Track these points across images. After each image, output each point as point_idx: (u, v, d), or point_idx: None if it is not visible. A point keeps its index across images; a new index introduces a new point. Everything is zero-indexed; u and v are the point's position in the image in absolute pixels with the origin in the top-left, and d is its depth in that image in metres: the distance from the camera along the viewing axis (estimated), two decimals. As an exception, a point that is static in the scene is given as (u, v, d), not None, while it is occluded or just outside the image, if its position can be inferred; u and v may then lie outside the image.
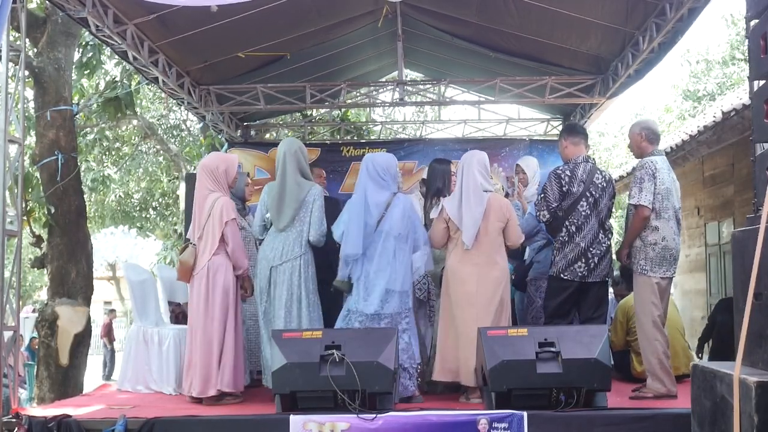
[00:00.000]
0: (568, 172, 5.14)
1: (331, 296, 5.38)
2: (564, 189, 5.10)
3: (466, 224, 4.96)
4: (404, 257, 4.92)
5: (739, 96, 8.89)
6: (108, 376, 16.78)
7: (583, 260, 5.05)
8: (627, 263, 5.10)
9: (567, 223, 5.10)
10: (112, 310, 21.31)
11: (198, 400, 5.00)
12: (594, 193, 5.13)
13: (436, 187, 5.54)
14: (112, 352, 18.13)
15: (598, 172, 5.22)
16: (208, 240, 4.99)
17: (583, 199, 5.09)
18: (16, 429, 4.49)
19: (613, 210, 5.47)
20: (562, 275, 5.09)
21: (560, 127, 9.36)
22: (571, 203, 5.09)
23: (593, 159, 5.37)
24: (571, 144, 5.26)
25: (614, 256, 5.32)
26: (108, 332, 18.41)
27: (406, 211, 4.98)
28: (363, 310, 4.85)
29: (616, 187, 5.55)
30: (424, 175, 5.93)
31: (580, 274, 5.06)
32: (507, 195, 6.12)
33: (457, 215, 5.00)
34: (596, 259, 5.07)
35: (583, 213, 5.08)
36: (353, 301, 4.91)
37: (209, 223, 4.99)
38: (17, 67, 5.60)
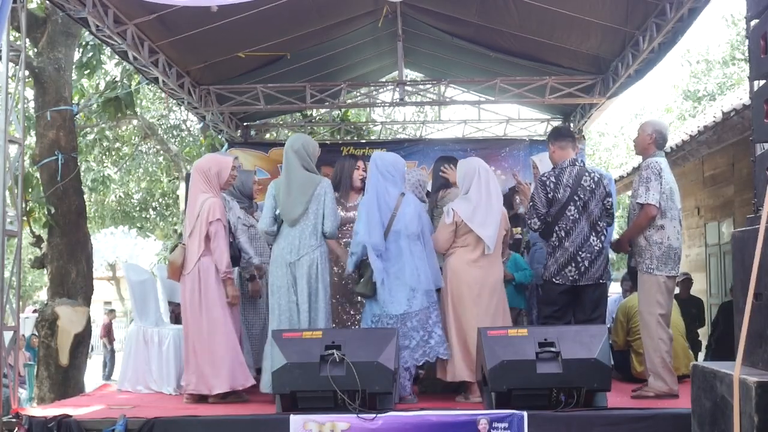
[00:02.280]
0: (552, 179, 5.11)
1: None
2: (549, 196, 5.07)
3: (487, 227, 4.95)
4: (422, 255, 4.94)
5: (739, 96, 8.90)
6: (108, 376, 16.78)
7: (573, 264, 5.03)
8: (627, 253, 5.13)
9: (557, 228, 5.07)
10: (112, 310, 21.29)
11: (198, 400, 5.01)
12: (582, 196, 5.07)
13: (441, 183, 5.60)
14: (112, 352, 18.12)
15: (587, 173, 5.15)
16: (196, 240, 5.05)
17: (571, 204, 5.05)
18: (16, 429, 4.49)
19: (615, 210, 5.45)
20: (553, 279, 5.09)
21: (560, 128, 9.35)
22: (559, 209, 5.05)
23: (581, 161, 5.32)
24: (559, 148, 5.22)
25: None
26: (108, 332, 18.41)
27: (418, 211, 5.00)
28: (391, 312, 4.85)
29: (614, 187, 5.53)
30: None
31: (571, 278, 5.04)
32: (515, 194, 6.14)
33: (471, 216, 4.97)
34: (586, 263, 5.03)
35: (572, 217, 5.05)
36: (380, 304, 4.89)
37: (198, 223, 5.05)
38: (17, 67, 5.61)
